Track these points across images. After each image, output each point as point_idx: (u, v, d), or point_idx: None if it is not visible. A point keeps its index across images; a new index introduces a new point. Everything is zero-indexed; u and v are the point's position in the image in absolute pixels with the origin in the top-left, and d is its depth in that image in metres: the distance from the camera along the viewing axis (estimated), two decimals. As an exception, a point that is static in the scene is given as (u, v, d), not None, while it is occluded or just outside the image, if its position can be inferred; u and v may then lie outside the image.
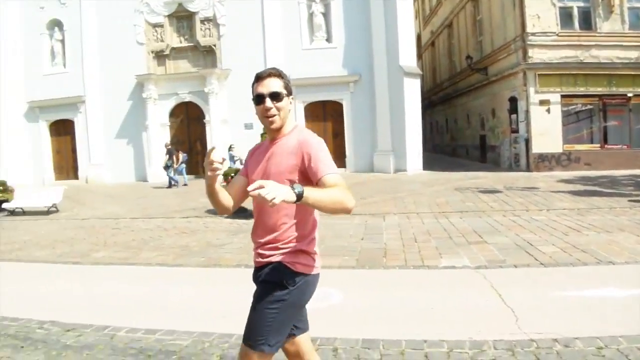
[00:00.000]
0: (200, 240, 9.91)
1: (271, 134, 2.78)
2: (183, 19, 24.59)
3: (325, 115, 23.60)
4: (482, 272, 6.42)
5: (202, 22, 24.10)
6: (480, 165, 22.75)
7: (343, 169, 22.76)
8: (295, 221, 2.66)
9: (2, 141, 25.69)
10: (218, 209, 2.84)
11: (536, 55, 19.39)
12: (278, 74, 2.71)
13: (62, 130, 26.67)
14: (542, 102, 19.25)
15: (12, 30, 26.31)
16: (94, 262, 8.86)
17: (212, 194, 2.69)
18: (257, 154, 2.86)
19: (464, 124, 27.91)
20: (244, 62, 22.90)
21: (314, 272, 2.73)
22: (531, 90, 19.34)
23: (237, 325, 4.95)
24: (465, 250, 7.75)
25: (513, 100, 20.60)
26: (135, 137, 24.58)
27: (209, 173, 2.51)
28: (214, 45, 24.00)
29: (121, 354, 4.64)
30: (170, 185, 21.05)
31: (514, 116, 20.57)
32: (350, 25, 22.90)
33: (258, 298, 2.68)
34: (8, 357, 4.84)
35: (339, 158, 23.10)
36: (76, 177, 26.02)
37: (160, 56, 24.71)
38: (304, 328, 2.93)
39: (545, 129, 19.19)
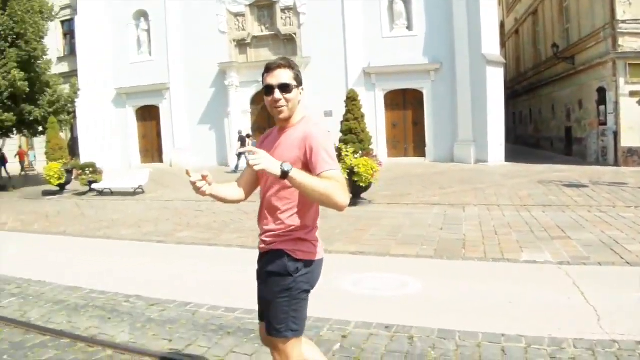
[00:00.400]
0: None
1: (280, 124, 2.81)
2: (264, 8, 24.91)
3: (405, 104, 23.37)
4: (565, 269, 6.17)
5: (282, 11, 24.33)
6: (565, 158, 21.86)
7: (422, 159, 22.57)
8: (296, 210, 2.70)
9: (92, 126, 26.96)
10: (231, 203, 3.00)
11: (627, 44, 18.33)
12: (288, 64, 2.72)
13: (148, 115, 27.79)
14: (633, 94, 18.17)
15: (101, 21, 27.51)
16: (177, 241, 9.22)
17: (218, 199, 2.86)
18: (267, 142, 2.91)
19: (548, 115, 26.89)
20: (323, 51, 23.11)
21: (317, 257, 2.79)
22: (621, 80, 18.32)
23: (313, 307, 5.05)
24: (548, 245, 7.46)
25: (601, 91, 19.61)
26: (218, 123, 25.27)
27: (198, 193, 2.65)
28: (294, 34, 24.20)
29: (202, 330, 4.82)
30: (235, 170, 21.57)
31: (602, 108, 19.58)
32: (431, 13, 22.50)
33: (267, 290, 2.78)
34: (96, 327, 5.11)
35: (419, 147, 22.93)
36: (161, 160, 27.12)
37: (241, 45, 25.15)
38: None
39: (636, 121, 18.19)
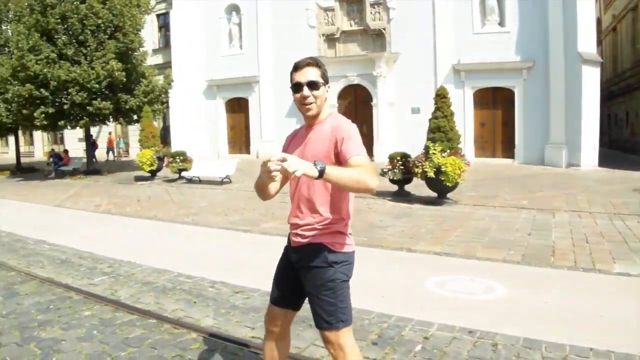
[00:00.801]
0: (364, 221, 10.06)
1: (308, 121, 2.89)
2: (353, 2, 24.86)
3: (495, 103, 22.68)
4: (660, 284, 5.83)
5: (372, 5, 24.20)
6: (666, 165, 20.68)
7: (510, 160, 21.91)
8: (333, 204, 2.78)
9: (184, 116, 27.95)
10: (262, 198, 3.02)
11: None
12: (315, 63, 2.80)
13: (237, 107, 28.55)
14: None
15: (195, 15, 28.55)
16: (262, 231, 9.45)
17: (263, 189, 2.89)
18: (295, 140, 2.99)
19: (647, 119, 25.52)
20: (413, 46, 22.86)
21: (352, 249, 2.87)
22: None
23: (395, 306, 5.00)
24: (643, 257, 7.07)
25: None
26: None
27: (266, 180, 2.62)
28: (384, 29, 24.02)
29: None
30: None
31: None
32: (524, 8, 21.64)
33: (310, 284, 2.83)
34: (182, 310, 5.34)
35: (507, 148, 22.27)
36: (248, 151, 27.78)
37: (330, 39, 25.28)
38: (298, 305, 3.11)
39: None
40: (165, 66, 28.10)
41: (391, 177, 12.73)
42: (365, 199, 12.58)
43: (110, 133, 34.60)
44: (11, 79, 20.57)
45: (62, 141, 38.60)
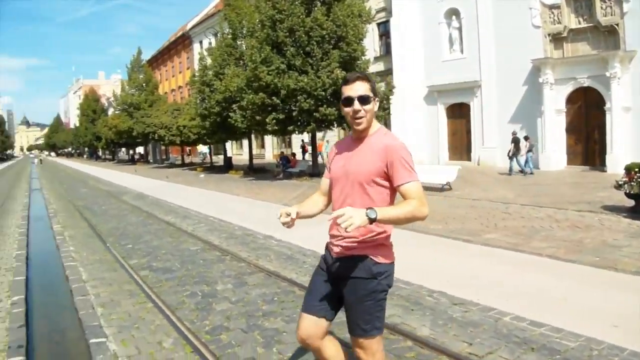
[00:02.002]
0: (595, 238, 9.15)
1: (356, 134, 2.93)
2: (581, -2, 23.00)
3: None
4: None
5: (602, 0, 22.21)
6: None
7: None
8: None
9: (404, 122, 28.45)
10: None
11: None
12: (365, 77, 2.84)
13: (458, 113, 28.29)
14: None
15: (414, 21, 29.07)
16: (483, 242, 9.18)
17: (305, 218, 3.14)
18: (341, 152, 3.03)
19: None
20: (652, 43, 20.50)
21: (393, 259, 2.96)
22: None
23: (630, 337, 4.52)
24: None
25: None
26: (529, 123, 24.01)
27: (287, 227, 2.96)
28: (616, 25, 21.57)
29: (504, 339, 4.70)
30: (510, 172, 21.12)
31: None
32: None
33: (351, 294, 2.88)
34: (399, 316, 5.41)
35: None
36: (469, 158, 27.32)
37: (557, 39, 23.66)
38: (333, 316, 3.06)
39: None
40: (387, 73, 28.98)
41: (628, 191, 11.40)
42: (597, 214, 11.49)
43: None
44: (246, 88, 23.24)
45: (289, 145, 41.80)
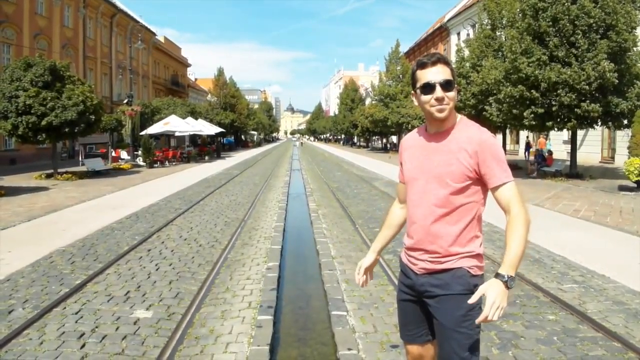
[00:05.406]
0: None
1: (434, 127, 2.50)
2: None
3: None
4: None
5: None
6: None
7: None
8: (470, 220, 2.43)
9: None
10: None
11: None
12: (445, 60, 2.43)
13: None
14: None
15: None
16: None
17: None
18: (413, 150, 2.61)
19: None
20: None
21: (483, 272, 2.52)
22: None
23: None
24: None
25: None
26: None
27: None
28: None
29: None
30: None
31: None
32: None
33: (446, 317, 2.43)
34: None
35: None
36: None
37: None
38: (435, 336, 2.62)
39: None
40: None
41: None
42: None
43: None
44: (504, 80, 22.33)
45: (516, 141, 40.04)
